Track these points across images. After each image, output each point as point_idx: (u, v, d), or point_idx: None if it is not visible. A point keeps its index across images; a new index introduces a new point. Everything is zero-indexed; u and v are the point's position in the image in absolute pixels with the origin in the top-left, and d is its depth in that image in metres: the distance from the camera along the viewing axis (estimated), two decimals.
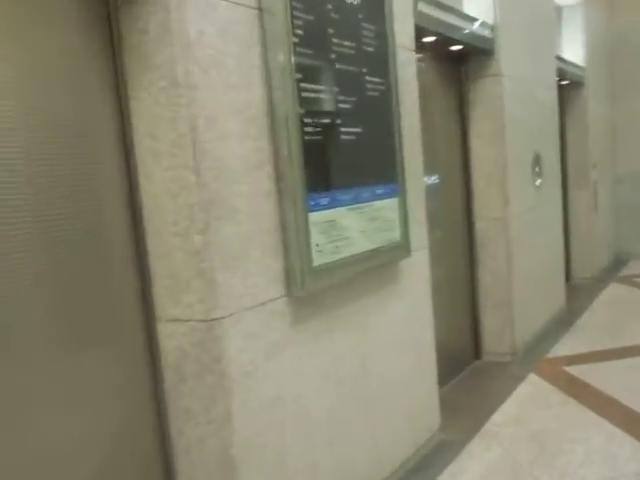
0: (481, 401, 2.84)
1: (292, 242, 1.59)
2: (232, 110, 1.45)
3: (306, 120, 1.62)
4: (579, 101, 5.05)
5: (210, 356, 1.42)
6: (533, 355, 3.40)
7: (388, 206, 1.99)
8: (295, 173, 1.58)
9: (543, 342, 3.63)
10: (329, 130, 1.72)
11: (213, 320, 1.41)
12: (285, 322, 1.61)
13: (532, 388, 2.92)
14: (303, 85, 1.61)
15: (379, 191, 1.94)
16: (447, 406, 2.58)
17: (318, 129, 1.67)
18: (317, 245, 1.65)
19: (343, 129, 1.78)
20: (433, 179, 3.08)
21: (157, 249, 1.44)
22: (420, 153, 2.34)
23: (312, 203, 1.64)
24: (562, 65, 4.45)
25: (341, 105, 1.78)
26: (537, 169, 3.70)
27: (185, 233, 1.39)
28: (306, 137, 1.62)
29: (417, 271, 2.28)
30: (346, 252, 1.77)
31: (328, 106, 1.72)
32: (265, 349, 1.54)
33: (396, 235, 2.04)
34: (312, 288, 1.64)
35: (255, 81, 1.53)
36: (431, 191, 3.01)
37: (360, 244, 1.84)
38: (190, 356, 1.45)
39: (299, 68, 1.59)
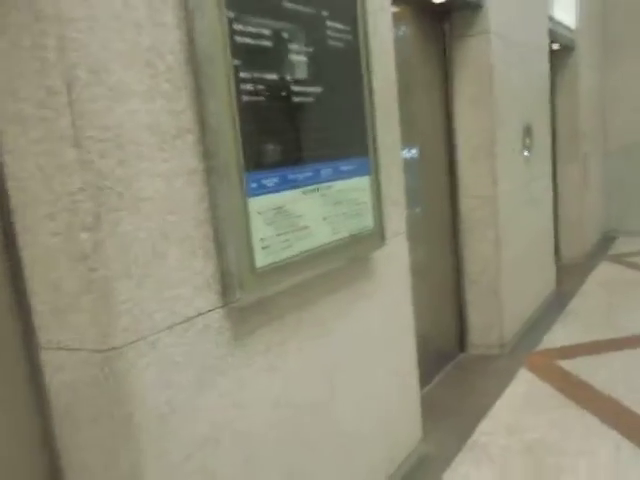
0: (468, 403, 2.52)
1: (227, 237, 1.20)
2: (133, 58, 1.05)
3: (243, 75, 1.22)
4: (570, 67, 4.67)
5: (109, 397, 1.04)
6: (523, 347, 3.09)
7: (357, 186, 1.61)
8: (229, 146, 1.19)
9: (533, 331, 3.32)
10: (277, 89, 1.32)
11: (111, 349, 1.02)
12: (222, 340, 1.24)
13: (524, 387, 2.60)
14: (238, 27, 1.21)
15: (345, 168, 1.56)
16: (429, 409, 2.25)
17: (261, 87, 1.27)
18: (262, 240, 1.27)
19: (296, 88, 1.38)
20: (412, 152, 2.70)
21: (32, 253, 1.05)
22: (397, 122, 1.96)
23: (253, 185, 1.25)
24: (553, 27, 4.06)
25: (293, 57, 1.38)
26: (528, 141, 3.34)
27: (66, 231, 1.00)
28: (244, 98, 1.23)
29: (394, 261, 1.92)
30: (301, 246, 1.39)
31: (274, 58, 1.32)
32: (193, 379, 1.16)
33: (367, 221, 1.66)
34: (256, 295, 1.27)
35: (169, 19, 1.12)
36: (410, 166, 2.63)
37: (321, 235, 1.46)
38: (83, 396, 1.07)
39: (232, 3, 1.19)
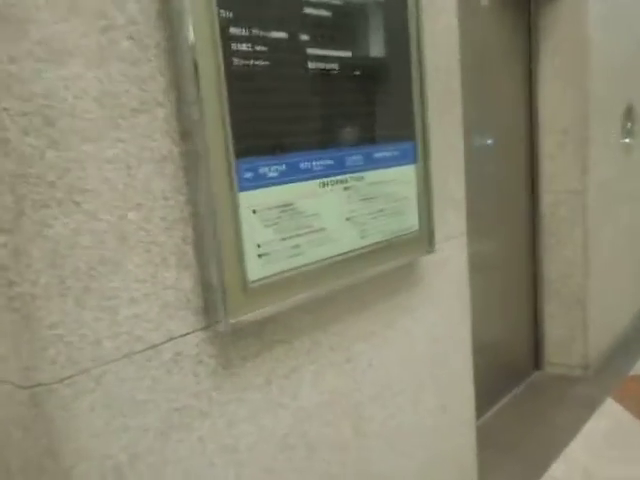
0: (538, 437, 2.14)
1: (209, 242, 0.94)
2: (76, 3, 0.80)
3: (235, 31, 0.94)
4: None
5: (39, 445, 0.82)
6: (612, 370, 2.63)
7: (397, 177, 1.29)
8: (213, 123, 0.91)
9: (625, 351, 2.83)
10: (285, 52, 1.03)
11: (37, 386, 0.79)
12: (204, 371, 0.98)
13: (610, 422, 2.17)
14: None
15: (381, 154, 1.24)
16: (489, 442, 1.91)
17: (261, 48, 0.98)
18: (258, 246, 1.00)
19: (314, 51, 1.08)
20: (482, 138, 2.31)
21: None
22: (458, 100, 1.60)
23: (247, 175, 0.97)
24: None
25: (311, 10, 1.07)
26: (629, 125, 2.82)
27: None
28: (236, 61, 0.95)
29: (447, 269, 1.58)
30: (317, 254, 1.10)
31: (283, 10, 1.03)
32: (162, 421, 0.92)
33: (411, 221, 1.34)
34: (250, 314, 0.99)
35: None
36: (479, 154, 2.25)
37: (345, 239, 1.16)
38: (13, 440, 0.85)
39: None
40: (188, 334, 0.95)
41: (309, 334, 1.17)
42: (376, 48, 1.22)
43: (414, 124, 1.33)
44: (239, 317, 0.97)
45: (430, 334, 1.52)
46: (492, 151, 2.36)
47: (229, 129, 0.93)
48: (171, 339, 0.93)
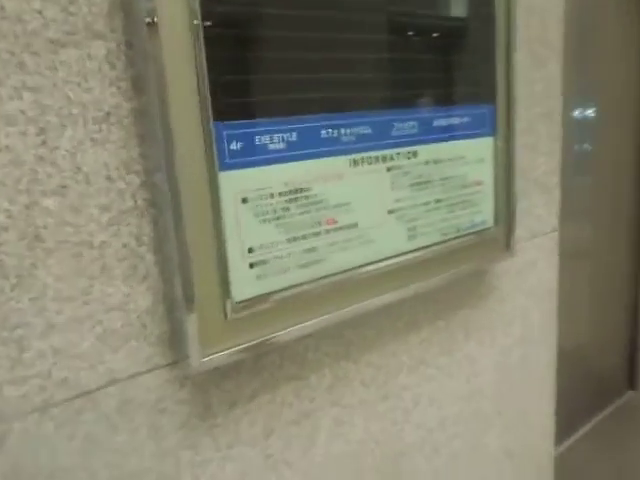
0: (628, 472, 1.73)
1: (175, 245, 0.63)
2: None
3: None
4: None
5: None
6: None
7: (466, 154, 0.93)
8: (181, 66, 0.60)
9: None
10: None
11: None
12: (169, 424, 0.69)
13: None
14: None
15: (444, 121, 0.88)
16: (569, 478, 1.54)
17: None
18: (250, 250, 0.68)
19: None
20: (585, 108, 1.86)
21: None
22: (557, 51, 1.20)
23: (235, 146, 0.65)
24: None
25: None
26: None
27: None
28: None
29: (531, 278, 1.20)
30: (341, 261, 0.77)
31: None
32: None
33: (483, 215, 0.98)
34: (237, 349, 0.69)
35: None
36: (580, 129, 1.82)
37: (383, 241, 0.82)
38: None
39: None
40: (143, 374, 0.67)
41: (331, 366, 0.86)
42: None
43: (494, 80, 0.95)
44: (218, 351, 0.67)
45: (501, 361, 1.16)
46: (595, 125, 1.91)
47: (204, 74, 0.61)
48: (115, 381, 0.65)
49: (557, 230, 1.25)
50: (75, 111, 0.58)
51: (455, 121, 0.90)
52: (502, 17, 0.95)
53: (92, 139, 0.59)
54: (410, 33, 0.81)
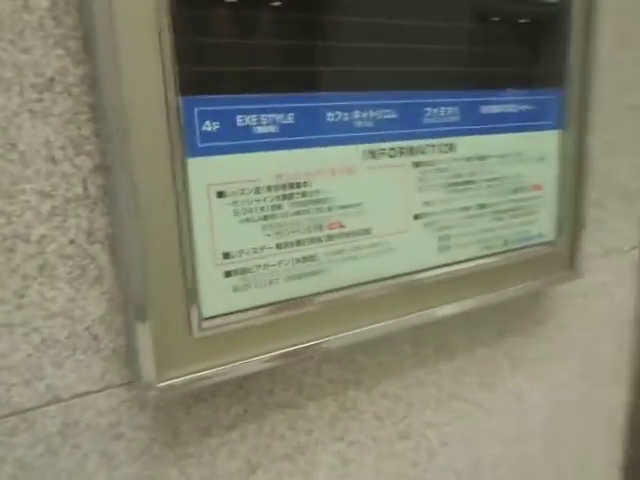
0: None
1: (132, 246, 0.52)
2: None
3: None
4: None
5: None
6: None
7: (523, 149, 0.75)
8: (140, 21, 0.48)
9: None
10: None
11: None
12: (125, 453, 0.59)
13: None
14: None
15: (495, 107, 0.71)
16: None
17: None
18: (227, 256, 0.56)
19: None
20: None
21: None
22: None
23: (209, 127, 0.53)
24: None
25: None
26: None
27: None
28: None
29: (601, 303, 1.00)
30: (348, 273, 0.63)
31: None
32: None
33: (540, 227, 0.80)
34: (210, 372, 0.57)
35: None
36: None
37: (407, 251, 0.67)
38: None
39: None
40: (93, 393, 0.56)
41: (336, 395, 0.72)
42: None
43: (566, 60, 0.77)
44: (181, 374, 0.56)
45: (557, 401, 0.98)
46: None
47: (168, 33, 0.49)
48: (57, 400, 0.55)
49: (638, 248, 1.04)
50: (8, 75, 0.47)
51: (511, 109, 0.73)
52: None
53: (30, 110, 0.49)
54: (453, 5, 0.65)
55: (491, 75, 0.70)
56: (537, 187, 0.78)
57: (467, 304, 0.75)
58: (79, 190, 0.52)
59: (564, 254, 0.84)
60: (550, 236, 0.81)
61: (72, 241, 0.53)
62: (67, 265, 0.53)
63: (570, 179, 0.81)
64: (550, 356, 0.94)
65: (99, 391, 0.56)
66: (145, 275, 0.52)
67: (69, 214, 0.52)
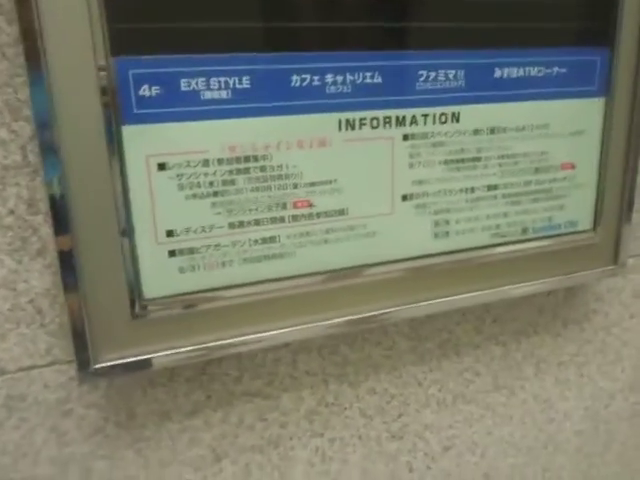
0: None
1: (70, 218, 0.49)
2: None
3: None
4: None
5: None
6: None
7: (551, 120, 0.64)
8: None
9: None
10: None
11: None
12: (75, 430, 0.57)
13: None
14: None
15: (513, 71, 0.60)
16: None
17: None
18: (171, 234, 0.51)
19: None
20: None
21: None
22: None
23: (148, 91, 0.47)
24: None
25: None
26: None
27: None
28: None
29: None
30: (313, 259, 0.57)
31: None
32: None
33: (571, 212, 0.68)
34: (161, 355, 0.54)
35: None
36: None
37: (396, 237, 0.59)
38: None
39: None
40: (39, 367, 0.55)
41: (315, 388, 0.67)
42: None
43: (615, 11, 0.63)
44: (122, 356, 0.52)
45: (593, 410, 0.85)
46: None
47: None
48: (1, 373, 0.54)
49: None
50: None
51: (535, 72, 0.61)
52: None
53: None
54: None
55: (510, 30, 0.59)
56: (568, 166, 0.66)
57: (476, 298, 0.66)
58: (18, 157, 0.49)
59: (605, 245, 0.72)
60: (585, 224, 0.69)
61: (12, 211, 0.50)
62: (7, 236, 0.51)
63: (616, 157, 0.68)
64: (588, 360, 0.82)
65: (45, 366, 0.55)
66: (79, 252, 0.49)
67: (7, 182, 0.49)
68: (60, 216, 0.48)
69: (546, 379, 0.80)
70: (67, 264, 0.49)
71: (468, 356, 0.74)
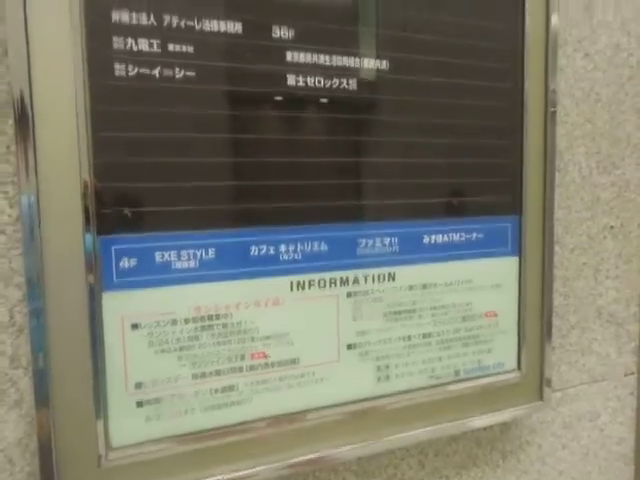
0: None
1: (43, 371, 0.55)
2: None
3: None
4: None
5: None
6: None
7: (472, 276, 0.74)
8: (57, 167, 0.54)
9: None
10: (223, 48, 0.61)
11: None
12: None
13: None
14: None
15: (439, 238, 0.72)
16: None
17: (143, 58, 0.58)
18: (138, 387, 0.57)
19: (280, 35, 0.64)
20: None
21: None
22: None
23: (127, 264, 0.56)
24: None
25: None
26: None
27: None
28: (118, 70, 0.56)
29: (593, 435, 0.92)
30: (272, 404, 0.63)
31: None
32: None
33: (497, 355, 0.77)
34: None
35: None
36: None
37: (340, 381, 0.67)
38: None
39: None
40: None
41: None
42: (429, 65, 0.71)
43: (518, 180, 0.77)
44: None
45: None
46: None
47: (88, 179, 0.54)
48: None
49: (635, 373, 0.97)
50: None
51: (458, 237, 0.73)
52: (533, 101, 0.77)
53: None
54: (388, 125, 0.68)
55: (436, 204, 0.71)
56: (491, 314, 0.76)
57: (418, 435, 0.72)
58: (5, 318, 0.56)
59: (529, 383, 0.80)
60: (511, 365, 0.78)
61: None
62: None
63: (532, 305, 0.79)
64: None
65: None
66: (50, 404, 0.54)
67: None
68: (41, 374, 0.54)
69: None
70: (43, 416, 0.54)
71: None
